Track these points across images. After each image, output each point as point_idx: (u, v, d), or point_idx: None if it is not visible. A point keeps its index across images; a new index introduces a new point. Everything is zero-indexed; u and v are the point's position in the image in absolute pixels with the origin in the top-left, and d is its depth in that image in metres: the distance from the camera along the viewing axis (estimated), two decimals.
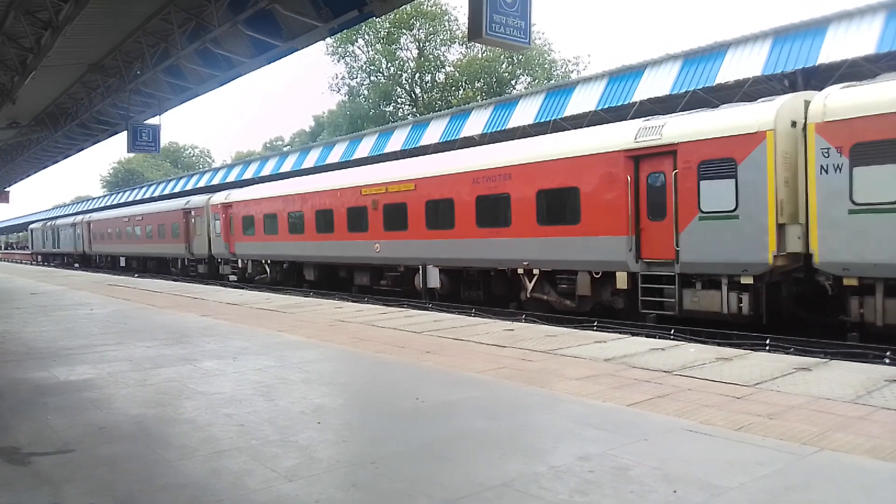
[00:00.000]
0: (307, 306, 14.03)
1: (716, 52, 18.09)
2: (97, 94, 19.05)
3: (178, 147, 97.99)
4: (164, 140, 20.44)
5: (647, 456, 4.12)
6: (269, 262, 25.88)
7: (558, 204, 14.62)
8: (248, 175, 39.40)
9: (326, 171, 27.72)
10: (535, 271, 15.22)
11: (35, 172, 39.62)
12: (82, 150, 28.19)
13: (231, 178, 41.40)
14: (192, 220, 30.97)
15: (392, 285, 19.63)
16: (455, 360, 7.54)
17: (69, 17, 12.38)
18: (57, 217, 63.51)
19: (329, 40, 51.67)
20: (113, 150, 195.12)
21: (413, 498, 3.63)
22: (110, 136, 23.94)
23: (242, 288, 23.46)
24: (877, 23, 14.90)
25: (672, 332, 11.79)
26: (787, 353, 9.03)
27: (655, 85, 19.16)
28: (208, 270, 30.78)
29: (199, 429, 4.99)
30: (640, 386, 5.99)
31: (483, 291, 17.18)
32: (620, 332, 10.74)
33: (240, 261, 27.74)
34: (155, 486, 3.85)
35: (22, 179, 43.41)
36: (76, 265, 50.38)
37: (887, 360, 8.98)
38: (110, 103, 19.31)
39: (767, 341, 10.61)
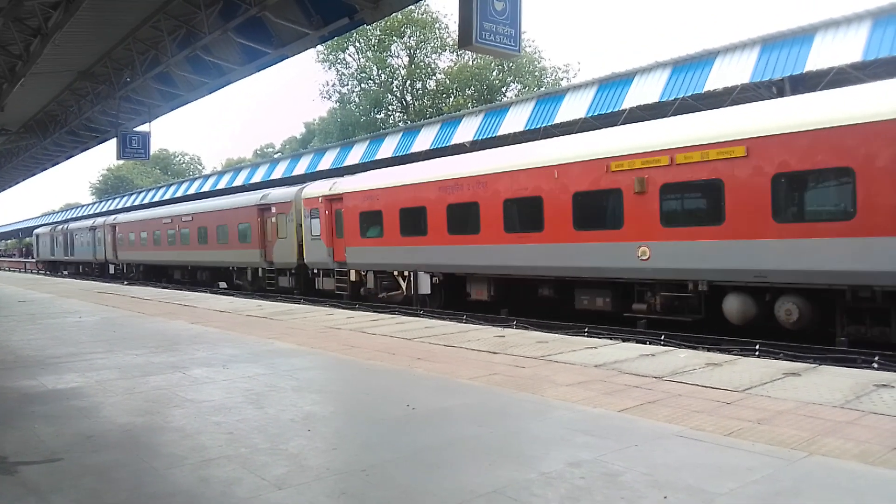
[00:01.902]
0: (298, 313, 13.98)
1: (704, 59, 18.24)
2: (86, 101, 19.01)
3: (168, 154, 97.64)
4: (154, 147, 19.97)
5: (638, 462, 4.12)
6: (406, 273, 18.61)
7: None
8: (238, 182, 39.31)
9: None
10: None
11: (24, 180, 39.47)
12: (71, 157, 28.09)
13: (221, 185, 41.31)
14: (272, 220, 24.15)
15: (661, 312, 12.69)
16: (446, 366, 7.53)
17: (58, 24, 12.35)
18: (68, 220, 55.81)
19: (320, 48, 51.83)
20: (102, 157, 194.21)
21: None
22: (100, 143, 23.87)
23: (233, 295, 23.35)
24: (863, 30, 15.07)
25: (662, 337, 11.81)
26: (777, 359, 9.07)
27: (645, 92, 19.29)
28: (296, 284, 23.62)
29: (187, 437, 4.96)
30: (630, 392, 6.00)
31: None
32: (611, 338, 10.77)
33: (352, 272, 20.39)
34: (143, 494, 3.82)
35: (11, 187, 43.24)
36: (63, 273, 49.58)
37: (875, 365, 9.02)
38: (100, 110, 19.26)
39: (757, 347, 10.64)
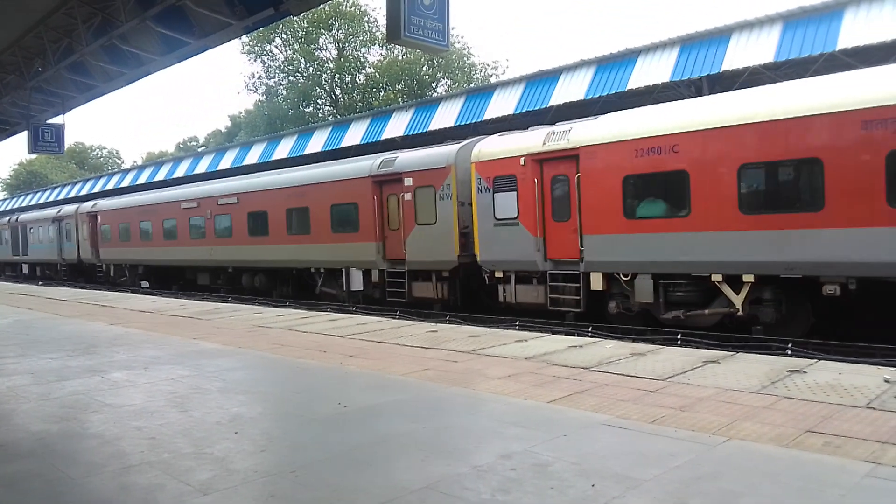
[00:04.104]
0: (224, 312, 13.63)
1: (627, 58, 18.71)
2: None
3: (84, 148, 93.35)
4: (69, 140, 19.10)
5: (567, 451, 4.20)
6: (746, 280, 10.83)
7: None
8: (159, 177, 37.93)
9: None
10: None
11: None
12: None
13: (142, 179, 39.78)
14: (406, 196, 16.42)
15: None
16: (379, 363, 7.49)
17: None
18: (16, 210, 45.52)
19: (244, 38, 50.52)
20: (12, 151, 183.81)
21: None
22: (9, 136, 22.59)
23: (154, 294, 22.53)
24: (775, 33, 15.78)
25: (590, 329, 12.08)
26: (697, 348, 9.41)
27: (570, 90, 19.63)
28: (449, 293, 15.96)
29: (106, 443, 4.76)
30: (559, 383, 6.11)
31: None
32: (541, 331, 10.94)
33: (596, 276, 12.60)
34: None
35: None
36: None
37: (789, 352, 9.48)
38: (9, 101, 18.22)
39: (679, 336, 11.02)
